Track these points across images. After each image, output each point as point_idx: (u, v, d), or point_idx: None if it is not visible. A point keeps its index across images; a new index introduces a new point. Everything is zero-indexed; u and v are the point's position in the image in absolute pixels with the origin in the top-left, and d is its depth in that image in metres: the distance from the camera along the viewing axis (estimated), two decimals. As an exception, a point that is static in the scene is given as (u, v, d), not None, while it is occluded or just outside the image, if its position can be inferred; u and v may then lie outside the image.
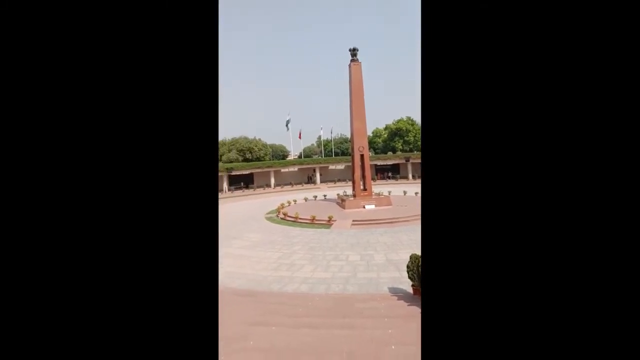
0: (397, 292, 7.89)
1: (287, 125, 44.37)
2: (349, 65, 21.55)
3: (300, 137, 47.28)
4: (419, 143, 46.48)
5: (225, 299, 7.10)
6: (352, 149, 22.00)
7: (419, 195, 24.35)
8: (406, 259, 9.24)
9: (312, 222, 17.07)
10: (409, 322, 4.91)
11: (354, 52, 21.43)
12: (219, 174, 37.71)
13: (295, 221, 17.80)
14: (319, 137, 54.56)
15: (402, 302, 6.66)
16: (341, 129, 63.41)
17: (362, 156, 21.27)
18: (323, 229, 15.76)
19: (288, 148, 55.78)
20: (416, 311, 5.54)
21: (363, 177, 21.37)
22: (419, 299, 6.94)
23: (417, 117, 50.97)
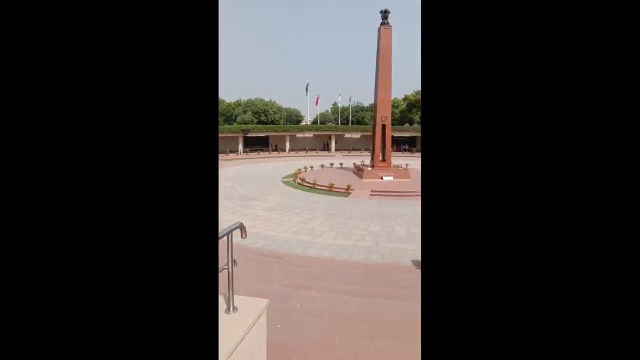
0: (420, 265, 7.91)
1: (306, 89, 43.56)
2: (379, 29, 20.50)
3: (317, 103, 46.41)
4: (438, 117, 45.30)
5: (250, 257, 7.20)
6: (375, 118, 21.47)
7: (438, 170, 24.11)
8: (428, 233, 9.20)
9: (330, 190, 17.05)
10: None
11: (385, 14, 20.27)
12: (235, 134, 37.60)
13: (313, 187, 17.80)
14: (335, 104, 53.45)
15: (430, 275, 6.66)
16: (357, 96, 61.82)
17: (383, 126, 20.80)
18: (341, 197, 15.76)
19: (302, 113, 55.00)
20: (448, 286, 5.54)
21: (383, 147, 21.03)
22: (445, 273, 6.98)
23: (439, 90, 49.30)
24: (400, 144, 41.29)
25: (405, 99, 49.55)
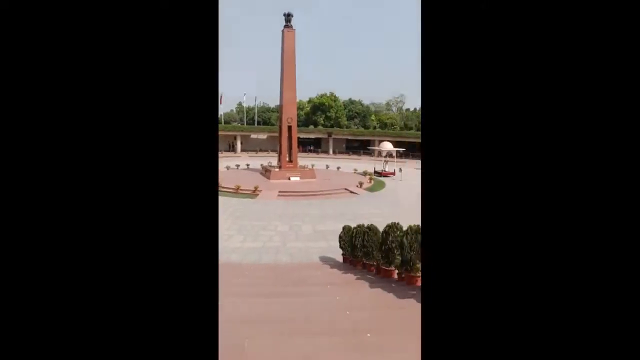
0: (328, 261, 8.27)
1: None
2: (282, 32, 20.72)
3: (221, 102, 44.56)
4: (340, 120, 47.84)
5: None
6: (280, 119, 21.62)
7: (341, 169, 25.51)
8: (333, 229, 9.72)
9: (237, 192, 16.58)
10: (351, 288, 5.22)
11: (288, 17, 20.58)
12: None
13: (219, 190, 17.03)
14: (240, 104, 52.17)
15: (335, 270, 7.01)
16: (263, 97, 61.47)
17: (289, 127, 21.10)
18: (249, 199, 15.47)
19: (206, 112, 52.07)
20: (352, 278, 5.91)
21: (290, 148, 21.32)
22: (349, 266, 7.40)
23: (340, 93, 52.12)
24: (306, 145, 42.44)
25: (309, 101, 51.04)
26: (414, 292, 4.43)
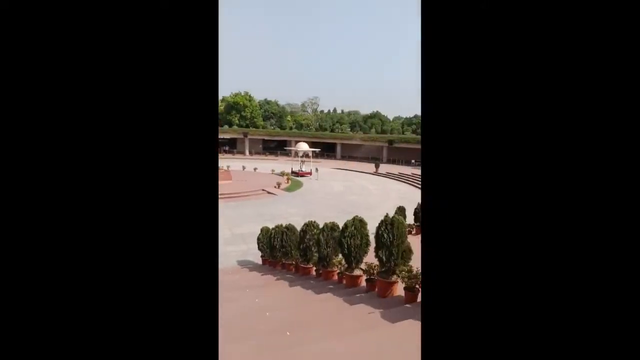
0: (247, 264, 8.13)
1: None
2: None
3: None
4: (255, 120, 47.19)
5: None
6: (191, 118, 20.41)
7: (258, 170, 25.16)
8: (251, 232, 9.57)
9: (143, 197, 15.16)
10: (270, 289, 5.23)
11: (197, 11, 19.52)
12: None
13: (120, 195, 15.36)
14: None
15: (255, 272, 6.93)
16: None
17: (202, 127, 20.05)
18: (157, 204, 14.28)
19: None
20: (271, 279, 5.92)
21: (202, 149, 20.26)
22: (269, 267, 7.37)
23: (255, 93, 51.38)
24: (221, 146, 40.82)
25: (223, 100, 49.18)
26: (331, 286, 4.63)
